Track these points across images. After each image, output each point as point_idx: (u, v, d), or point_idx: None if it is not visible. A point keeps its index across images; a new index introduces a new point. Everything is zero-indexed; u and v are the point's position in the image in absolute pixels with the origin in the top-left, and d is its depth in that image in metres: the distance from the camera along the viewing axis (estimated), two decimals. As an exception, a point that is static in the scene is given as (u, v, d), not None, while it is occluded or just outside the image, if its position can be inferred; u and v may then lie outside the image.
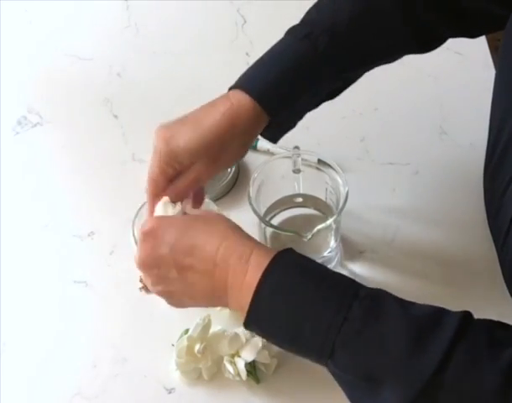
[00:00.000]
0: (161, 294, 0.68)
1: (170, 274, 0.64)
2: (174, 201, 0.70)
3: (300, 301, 0.59)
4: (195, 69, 1.03)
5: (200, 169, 0.69)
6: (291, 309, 0.59)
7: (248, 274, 0.61)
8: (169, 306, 0.69)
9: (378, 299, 0.59)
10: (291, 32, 0.74)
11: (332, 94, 0.76)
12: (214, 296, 0.64)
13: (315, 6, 0.75)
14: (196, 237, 0.64)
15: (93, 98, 1.02)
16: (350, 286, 0.59)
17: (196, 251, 0.63)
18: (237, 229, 0.65)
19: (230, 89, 0.71)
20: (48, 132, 0.99)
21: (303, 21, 0.74)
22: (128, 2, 1.14)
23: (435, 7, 0.74)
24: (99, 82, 1.04)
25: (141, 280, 0.70)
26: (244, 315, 0.60)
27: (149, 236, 0.65)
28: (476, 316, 0.58)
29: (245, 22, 1.09)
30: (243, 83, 0.71)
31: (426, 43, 0.78)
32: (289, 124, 0.75)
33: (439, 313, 0.57)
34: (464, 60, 1.01)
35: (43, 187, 0.93)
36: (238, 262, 0.62)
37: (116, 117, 1.00)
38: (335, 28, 0.72)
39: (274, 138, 0.75)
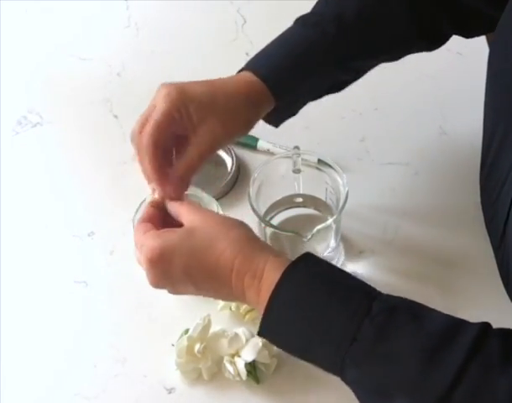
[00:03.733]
0: (174, 294, 0.68)
1: (187, 289, 0.64)
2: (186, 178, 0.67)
3: (309, 318, 0.58)
4: (195, 69, 1.03)
5: (211, 130, 0.66)
6: (301, 325, 0.59)
7: (262, 294, 0.60)
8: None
9: (391, 313, 0.56)
10: (300, 20, 0.75)
11: (337, 87, 0.77)
12: (230, 299, 0.66)
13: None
14: (207, 257, 0.62)
15: (93, 98, 1.02)
16: (363, 300, 0.57)
17: (211, 271, 0.62)
18: (243, 241, 0.63)
19: (239, 72, 0.72)
20: (48, 132, 0.99)
21: (312, 11, 0.75)
22: (128, 2, 1.14)
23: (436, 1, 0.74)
24: (99, 82, 1.04)
25: None
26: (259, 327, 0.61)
27: (157, 263, 0.63)
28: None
29: (245, 22, 1.09)
30: (252, 65, 0.72)
31: (431, 38, 0.78)
32: (292, 110, 0.75)
33: (455, 326, 0.56)
34: (464, 60, 1.01)
35: (43, 187, 0.93)
36: (252, 281, 0.61)
37: (116, 117, 1.00)
38: (343, 18, 0.73)
39: (275, 123, 0.75)
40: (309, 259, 0.61)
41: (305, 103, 0.76)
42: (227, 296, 0.65)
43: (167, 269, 0.63)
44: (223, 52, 1.06)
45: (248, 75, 0.71)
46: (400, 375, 0.55)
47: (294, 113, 0.76)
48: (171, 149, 0.68)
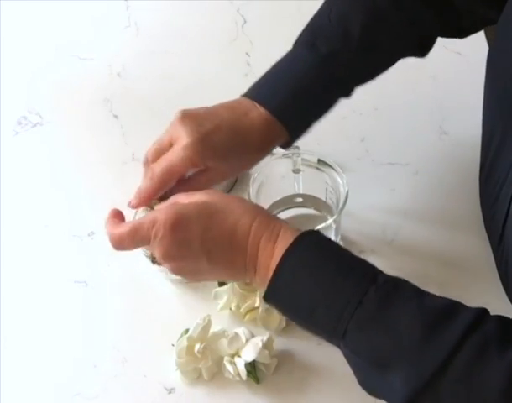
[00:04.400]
0: (180, 274, 0.68)
1: (198, 263, 0.64)
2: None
3: (317, 281, 0.60)
4: (195, 69, 1.03)
5: (218, 174, 0.70)
6: (308, 288, 0.61)
7: (274, 257, 0.62)
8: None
9: (395, 286, 0.60)
10: (300, 42, 0.75)
11: (343, 97, 0.78)
12: (241, 272, 0.65)
13: (323, 15, 0.76)
14: (225, 221, 0.64)
15: (93, 98, 1.02)
16: (369, 271, 0.61)
17: (229, 237, 0.63)
18: (258, 208, 0.67)
19: (250, 97, 0.73)
20: (48, 132, 0.99)
21: (308, 27, 0.75)
22: (128, 2, 1.14)
23: (430, 5, 0.74)
24: (99, 82, 1.04)
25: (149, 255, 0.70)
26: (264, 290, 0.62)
27: (173, 230, 0.63)
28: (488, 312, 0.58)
29: (245, 22, 1.09)
30: (261, 97, 0.72)
31: (425, 44, 0.79)
32: (302, 134, 0.76)
33: (455, 306, 0.58)
34: (464, 60, 1.01)
35: (43, 187, 0.93)
36: (267, 244, 0.63)
37: (116, 117, 1.00)
38: (347, 34, 0.73)
39: (286, 147, 0.76)
40: (320, 233, 0.64)
41: (313, 124, 0.77)
42: (238, 269, 0.65)
43: (183, 237, 0.63)
44: (223, 52, 1.06)
45: (262, 113, 0.71)
46: (399, 344, 0.56)
47: (303, 135, 0.77)
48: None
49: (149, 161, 0.72)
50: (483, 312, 0.57)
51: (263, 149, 0.73)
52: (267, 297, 0.63)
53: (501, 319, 0.57)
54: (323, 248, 0.63)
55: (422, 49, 0.79)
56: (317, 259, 0.62)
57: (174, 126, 0.70)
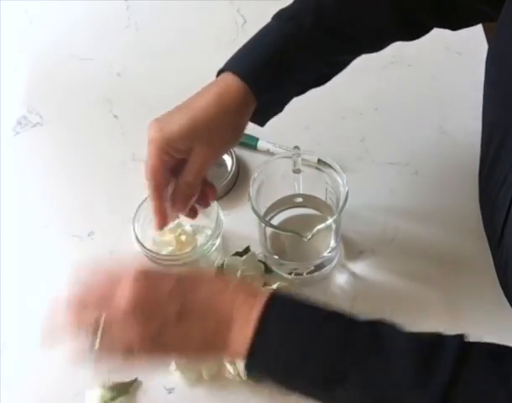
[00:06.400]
0: (133, 340, 0.59)
1: (168, 319, 0.59)
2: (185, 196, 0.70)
3: (305, 334, 0.58)
4: (195, 69, 1.03)
5: (199, 154, 0.69)
6: (298, 338, 0.57)
7: (255, 307, 0.58)
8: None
9: (379, 327, 0.58)
10: (277, 15, 0.74)
11: (320, 81, 0.76)
12: (211, 340, 0.59)
13: None
14: (202, 279, 0.62)
15: (93, 98, 1.02)
16: (352, 318, 0.59)
17: (207, 281, 0.61)
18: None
19: (218, 73, 0.72)
20: (48, 132, 0.99)
21: (289, 5, 0.75)
22: (128, 2, 1.14)
23: None
24: (99, 82, 1.04)
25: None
26: (245, 355, 0.57)
27: (146, 277, 0.60)
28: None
29: (245, 22, 1.09)
30: (230, 65, 0.72)
31: (411, 28, 0.77)
32: (277, 108, 0.75)
33: (438, 337, 0.57)
34: (464, 60, 1.01)
35: (43, 187, 0.93)
36: (247, 297, 0.59)
37: (116, 117, 1.00)
38: (320, 8, 0.73)
39: (260, 121, 0.75)
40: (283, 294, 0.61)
41: (289, 100, 0.75)
42: (212, 328, 0.59)
43: (156, 283, 0.60)
44: (223, 52, 1.05)
45: (227, 78, 0.71)
46: (399, 380, 0.55)
47: (279, 111, 0.75)
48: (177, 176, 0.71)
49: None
50: (463, 336, 0.56)
51: (232, 118, 0.70)
52: (252, 352, 0.56)
53: (485, 344, 0.57)
54: (302, 301, 0.60)
55: (409, 32, 0.78)
56: (300, 307, 0.59)
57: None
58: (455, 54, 1.01)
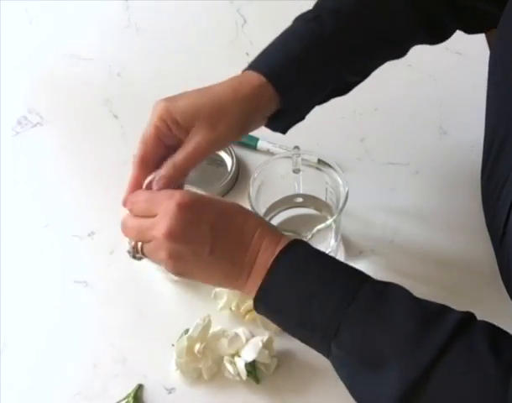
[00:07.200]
0: (173, 261, 0.64)
1: (201, 251, 0.63)
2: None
3: (311, 281, 0.62)
4: (195, 69, 1.03)
5: (197, 134, 0.67)
6: (301, 288, 0.61)
7: (269, 261, 0.63)
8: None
9: (386, 284, 0.61)
10: (300, 17, 0.75)
11: (342, 89, 0.76)
12: (235, 273, 0.65)
13: None
14: (235, 218, 0.65)
15: (93, 98, 1.02)
16: (361, 273, 0.63)
17: (236, 230, 0.64)
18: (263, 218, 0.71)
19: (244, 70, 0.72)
20: (48, 132, 0.99)
21: (312, 7, 0.75)
22: (128, 2, 1.14)
23: None
24: (99, 82, 1.04)
25: (132, 246, 0.67)
26: (254, 294, 0.63)
27: (186, 210, 0.63)
28: (476, 316, 0.58)
29: (245, 22, 1.09)
30: (253, 64, 0.72)
31: (433, 31, 0.78)
32: (298, 114, 0.75)
33: (444, 308, 0.59)
34: (464, 60, 1.01)
35: (43, 187, 0.93)
36: (270, 244, 0.64)
37: (116, 117, 1.00)
38: (341, 10, 0.73)
39: (281, 128, 0.75)
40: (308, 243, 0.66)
41: (311, 107, 0.75)
42: (234, 270, 0.64)
43: (194, 218, 0.63)
44: (223, 52, 1.06)
45: (249, 72, 0.71)
46: (394, 338, 0.57)
47: (300, 117, 0.75)
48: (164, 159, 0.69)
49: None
50: (470, 316, 0.59)
51: (240, 107, 0.69)
52: (259, 297, 0.63)
53: (490, 325, 0.59)
54: (317, 254, 0.65)
55: (430, 35, 0.78)
56: (312, 260, 0.63)
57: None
58: (455, 55, 1.01)
